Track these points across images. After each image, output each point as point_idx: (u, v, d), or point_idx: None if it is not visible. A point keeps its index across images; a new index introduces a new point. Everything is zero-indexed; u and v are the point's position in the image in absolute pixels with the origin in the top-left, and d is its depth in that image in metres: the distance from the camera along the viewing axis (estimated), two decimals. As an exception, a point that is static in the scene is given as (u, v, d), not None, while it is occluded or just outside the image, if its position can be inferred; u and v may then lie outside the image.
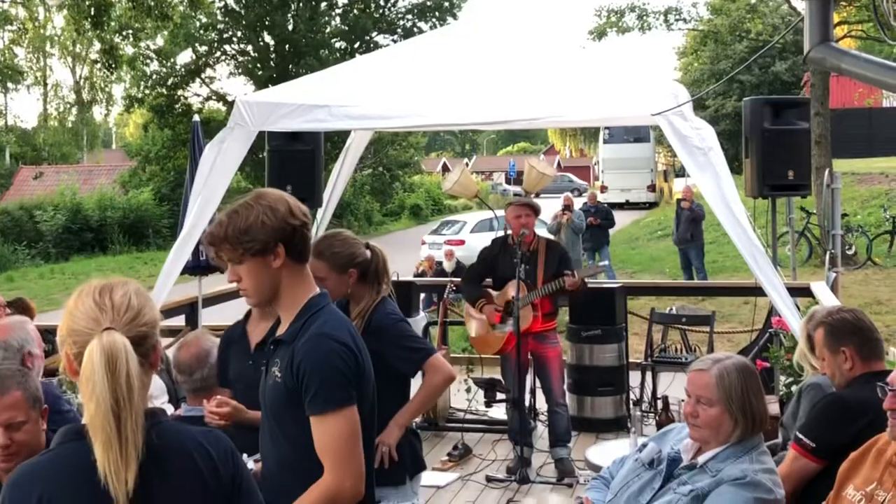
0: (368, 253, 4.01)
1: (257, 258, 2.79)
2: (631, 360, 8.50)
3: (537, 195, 7.79)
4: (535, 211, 7.11)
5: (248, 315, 4.21)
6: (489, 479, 6.95)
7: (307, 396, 2.73)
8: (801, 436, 3.73)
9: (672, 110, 6.48)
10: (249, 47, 37.14)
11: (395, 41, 34.57)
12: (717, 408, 3.17)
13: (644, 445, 3.40)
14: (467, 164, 65.30)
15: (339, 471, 2.73)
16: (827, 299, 6.97)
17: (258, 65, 36.85)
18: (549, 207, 19.66)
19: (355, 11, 36.79)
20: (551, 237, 7.55)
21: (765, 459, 3.16)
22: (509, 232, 7.22)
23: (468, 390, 8.24)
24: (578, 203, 20.04)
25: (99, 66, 23.98)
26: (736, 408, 3.16)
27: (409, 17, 37.46)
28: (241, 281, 2.84)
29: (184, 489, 2.17)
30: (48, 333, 4.89)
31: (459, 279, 7.95)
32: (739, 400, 3.16)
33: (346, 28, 36.81)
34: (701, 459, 3.18)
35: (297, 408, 2.77)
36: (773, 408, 5.70)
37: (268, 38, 36.68)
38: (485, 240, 8.29)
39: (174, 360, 4.10)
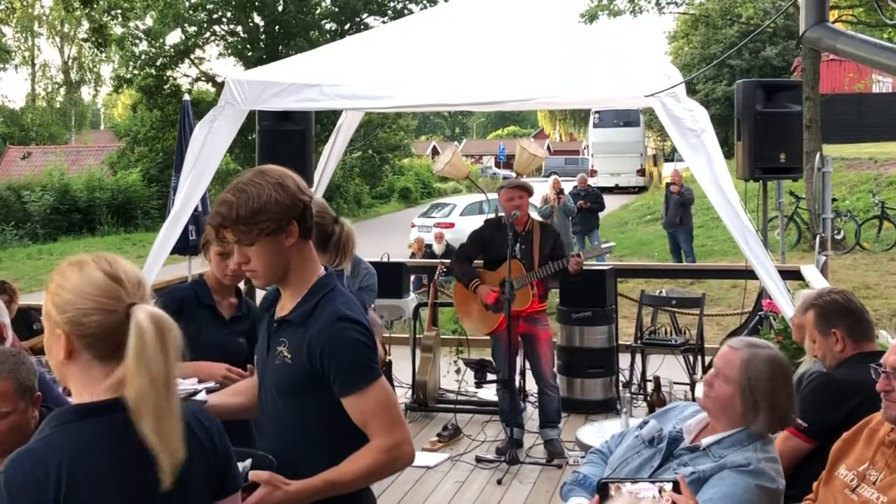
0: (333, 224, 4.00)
1: (270, 238, 2.67)
2: (620, 342, 8.52)
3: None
4: (529, 192, 7.10)
5: (203, 283, 4.23)
6: (479, 460, 6.96)
7: (339, 378, 2.69)
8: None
9: (665, 91, 6.46)
10: (239, 28, 36.93)
11: (385, 23, 34.42)
12: (732, 388, 3.12)
13: (645, 422, 3.38)
14: (457, 147, 65.27)
15: (393, 431, 2.71)
16: (817, 282, 7.00)
17: (247, 46, 36.66)
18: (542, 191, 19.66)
19: (346, -8, 36.62)
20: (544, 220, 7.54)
21: (769, 449, 3.11)
22: (501, 213, 7.21)
23: (458, 371, 8.25)
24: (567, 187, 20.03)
25: (88, 45, 23.83)
26: (751, 397, 3.09)
27: (400, -2, 37.29)
28: (250, 262, 2.73)
29: (196, 460, 2.13)
30: (36, 312, 4.87)
31: (449, 260, 7.93)
32: (759, 392, 3.08)
33: (337, 9, 36.62)
34: (704, 442, 3.14)
35: (307, 388, 2.74)
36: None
37: (257, 19, 36.47)
38: (475, 223, 8.24)
39: None
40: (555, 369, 7.34)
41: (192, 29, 36.42)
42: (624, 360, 8.41)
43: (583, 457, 3.72)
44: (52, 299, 2.09)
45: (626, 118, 38.84)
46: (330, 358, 2.69)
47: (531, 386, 7.81)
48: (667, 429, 3.29)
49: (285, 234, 2.69)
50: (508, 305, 6.77)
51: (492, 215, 7.52)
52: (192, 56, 36.84)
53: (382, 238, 18.62)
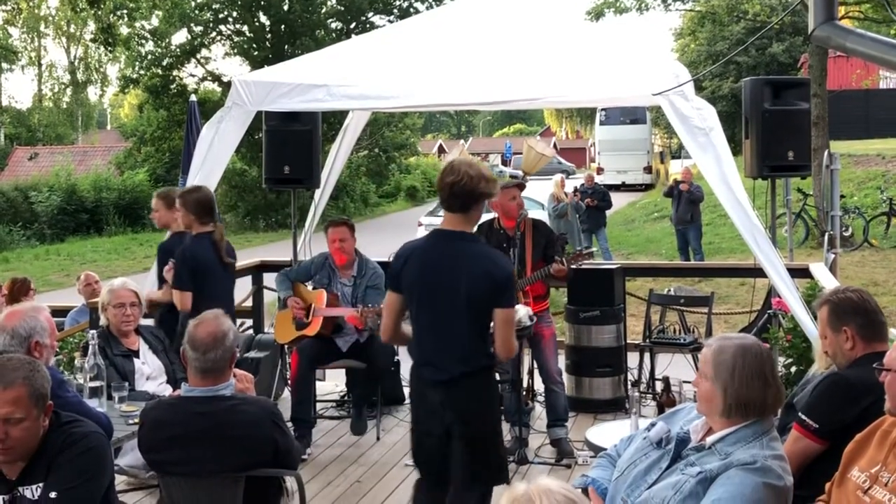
0: None
1: None
2: (629, 341, 8.49)
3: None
4: (523, 187, 7.05)
5: None
6: (487, 460, 6.93)
7: None
8: (803, 416, 3.71)
9: (673, 90, 6.44)
10: (245, 27, 36.96)
11: (391, 21, 34.42)
12: (709, 382, 3.16)
13: (653, 424, 3.38)
14: (464, 146, 65.30)
15: None
16: (826, 280, 6.96)
17: (254, 45, 36.68)
18: (539, 189, 19.60)
19: (351, -9, 36.62)
20: (537, 217, 7.34)
21: (775, 446, 3.11)
22: (493, 215, 7.11)
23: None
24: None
25: (96, 45, 23.87)
26: (723, 386, 3.13)
27: (405, -4, 37.28)
28: None
29: None
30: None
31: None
32: (728, 381, 3.12)
33: (342, 8, 36.65)
34: (709, 440, 3.15)
35: None
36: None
37: (263, 19, 36.50)
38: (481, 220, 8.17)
39: (188, 335, 3.87)
40: (559, 366, 7.31)
41: (198, 29, 36.47)
42: (632, 359, 8.38)
43: (592, 457, 3.72)
44: None
45: (632, 115, 38.82)
46: None
47: (538, 385, 7.79)
48: (674, 430, 3.29)
49: None
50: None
51: (493, 215, 7.33)
52: (199, 56, 36.89)
53: (389, 237, 18.52)
